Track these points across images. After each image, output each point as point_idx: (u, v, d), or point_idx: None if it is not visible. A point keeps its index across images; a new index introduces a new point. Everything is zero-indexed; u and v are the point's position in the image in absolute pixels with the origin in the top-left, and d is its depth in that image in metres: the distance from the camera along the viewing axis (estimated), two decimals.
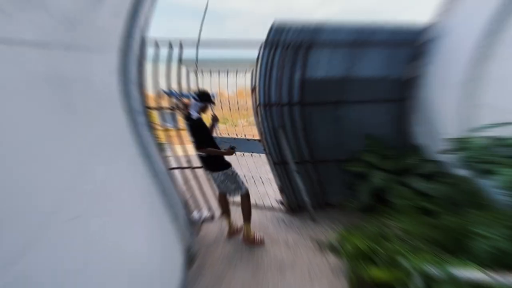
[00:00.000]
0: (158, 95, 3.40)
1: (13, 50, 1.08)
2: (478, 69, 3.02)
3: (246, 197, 3.33)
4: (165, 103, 3.55)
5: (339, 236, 3.15)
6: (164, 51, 3.23)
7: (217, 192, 3.57)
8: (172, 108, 3.55)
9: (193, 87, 3.65)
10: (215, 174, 3.27)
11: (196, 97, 3.11)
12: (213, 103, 3.25)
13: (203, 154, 3.17)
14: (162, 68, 3.31)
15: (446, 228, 2.78)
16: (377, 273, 2.44)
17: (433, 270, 2.10)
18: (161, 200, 2.71)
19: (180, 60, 3.29)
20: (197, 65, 3.35)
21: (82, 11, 1.55)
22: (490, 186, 2.27)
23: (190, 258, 3.08)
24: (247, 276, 2.86)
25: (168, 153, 3.57)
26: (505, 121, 2.47)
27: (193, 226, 3.67)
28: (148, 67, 3.16)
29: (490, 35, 2.91)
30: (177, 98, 3.53)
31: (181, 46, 3.21)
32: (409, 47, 3.62)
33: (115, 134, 2.12)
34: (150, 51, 3.10)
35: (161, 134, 3.97)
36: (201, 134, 3.13)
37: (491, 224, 2.49)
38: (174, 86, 3.49)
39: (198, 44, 3.11)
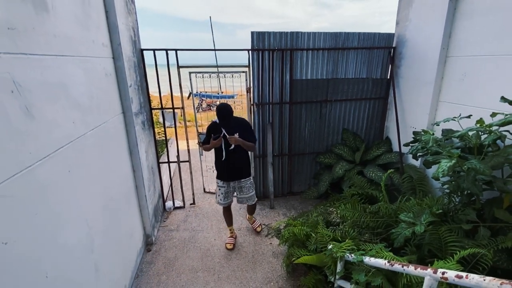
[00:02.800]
0: (187, 96, 3.43)
1: None
2: (441, 69, 3.04)
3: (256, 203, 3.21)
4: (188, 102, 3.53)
5: (285, 222, 3.14)
6: (164, 59, 3.26)
7: (220, 201, 3.02)
8: (198, 106, 3.61)
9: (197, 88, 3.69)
10: (245, 181, 2.97)
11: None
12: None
13: (235, 161, 2.85)
14: (164, 74, 3.31)
15: (381, 215, 2.73)
16: (306, 257, 2.43)
17: (350, 256, 2.07)
18: (133, 192, 2.83)
19: (178, 66, 3.32)
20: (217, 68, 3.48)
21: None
22: (432, 175, 2.23)
23: (149, 243, 3.16)
24: (196, 261, 2.91)
25: (169, 147, 3.66)
26: (464, 115, 2.42)
27: (161, 214, 3.75)
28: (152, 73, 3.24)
29: (447, 37, 2.94)
30: (201, 98, 3.60)
31: (176, 54, 3.20)
32: (383, 52, 3.82)
33: (111, 132, 2.30)
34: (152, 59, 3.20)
35: (162, 132, 4.01)
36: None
37: (419, 211, 2.43)
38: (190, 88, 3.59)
39: (215, 52, 3.16)
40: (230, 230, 3.21)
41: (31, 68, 1.29)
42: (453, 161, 1.99)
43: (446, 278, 1.13)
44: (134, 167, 2.79)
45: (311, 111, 3.86)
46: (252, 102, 3.66)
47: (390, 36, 3.73)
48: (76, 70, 1.70)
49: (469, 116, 2.43)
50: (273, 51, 3.44)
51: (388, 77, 3.88)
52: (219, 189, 2.97)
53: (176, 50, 3.07)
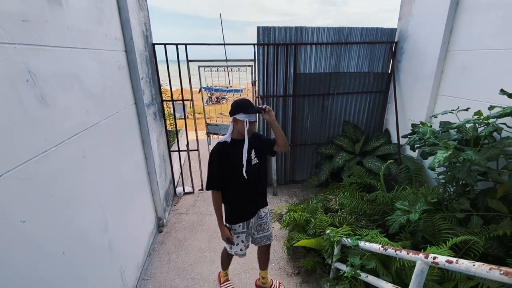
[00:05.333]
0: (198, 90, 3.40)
1: None
2: (441, 63, 2.94)
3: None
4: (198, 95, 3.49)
5: (286, 208, 3.14)
6: (175, 54, 3.19)
7: (241, 251, 2.05)
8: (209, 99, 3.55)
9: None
10: (264, 213, 2.04)
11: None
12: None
13: (260, 181, 1.95)
14: (175, 69, 3.29)
15: (378, 203, 2.70)
16: (305, 241, 2.43)
17: (346, 240, 2.05)
18: (146, 178, 2.85)
19: (187, 60, 3.23)
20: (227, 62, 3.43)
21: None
22: (428, 165, 2.17)
23: (160, 225, 3.20)
24: (203, 242, 2.94)
25: (179, 138, 3.66)
26: (463, 108, 2.35)
27: (172, 198, 3.80)
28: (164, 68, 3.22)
29: (448, 32, 2.83)
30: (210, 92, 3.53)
31: (186, 48, 3.15)
32: (385, 47, 3.70)
33: (124, 121, 2.30)
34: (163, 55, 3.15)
35: (173, 123, 3.98)
36: None
37: (414, 199, 2.38)
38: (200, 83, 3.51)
39: (224, 46, 3.12)
40: (226, 274, 2.40)
41: (45, 58, 1.29)
42: (449, 152, 1.93)
43: (437, 263, 1.10)
44: (146, 155, 2.81)
45: (313, 104, 3.79)
46: (257, 95, 3.61)
47: (392, 31, 3.60)
48: (89, 62, 1.69)
49: (467, 109, 2.34)
50: (278, 45, 3.36)
51: (389, 71, 3.76)
52: (238, 237, 1.98)
53: (185, 44, 3.03)
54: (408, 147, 2.97)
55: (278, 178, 4.08)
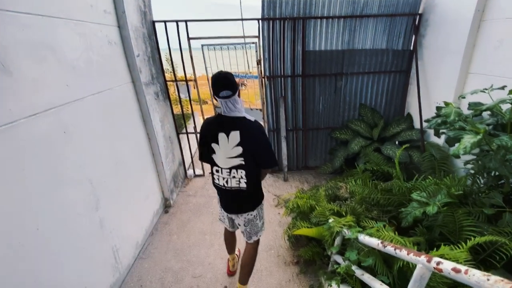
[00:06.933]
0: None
1: None
2: (473, 35, 2.46)
3: (257, 243, 1.87)
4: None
5: (294, 195, 2.92)
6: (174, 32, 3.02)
7: (225, 224, 1.94)
8: None
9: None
10: (245, 216, 1.72)
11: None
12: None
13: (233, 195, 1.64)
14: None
15: (394, 193, 2.37)
16: (305, 230, 2.21)
17: (346, 232, 1.81)
18: (150, 158, 2.80)
19: (188, 37, 3.02)
20: None
21: None
22: (452, 152, 1.81)
23: (167, 206, 3.17)
24: (206, 224, 2.85)
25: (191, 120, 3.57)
26: (497, 87, 1.93)
27: (182, 180, 3.75)
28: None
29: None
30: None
31: (186, 25, 2.96)
32: (407, 20, 3.18)
33: (119, 99, 2.21)
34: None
35: (184, 106, 3.88)
36: None
37: (435, 190, 2.04)
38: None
39: (242, 22, 2.86)
40: (233, 258, 2.18)
41: (6, 24, 1.17)
42: (478, 137, 1.57)
43: (441, 270, 0.84)
44: (149, 135, 2.73)
45: (325, 85, 3.43)
46: (263, 75, 3.35)
47: (415, 1, 3.06)
48: (68, 34, 1.58)
49: (503, 87, 1.89)
50: (284, 20, 3.03)
51: (411, 48, 3.25)
52: (221, 209, 1.86)
53: (186, 21, 2.83)
54: (433, 133, 2.57)
55: (289, 163, 3.83)
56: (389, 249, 1.19)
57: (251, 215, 1.72)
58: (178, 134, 3.53)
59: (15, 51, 1.22)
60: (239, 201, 1.66)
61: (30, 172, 1.29)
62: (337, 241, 1.95)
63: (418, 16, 3.08)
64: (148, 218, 2.70)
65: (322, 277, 1.92)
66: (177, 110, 3.80)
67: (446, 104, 2.07)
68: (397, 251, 1.12)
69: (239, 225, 1.80)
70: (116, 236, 2.04)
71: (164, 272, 2.25)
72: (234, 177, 1.56)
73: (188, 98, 3.42)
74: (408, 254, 1.04)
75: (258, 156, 1.53)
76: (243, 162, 1.51)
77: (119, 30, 2.13)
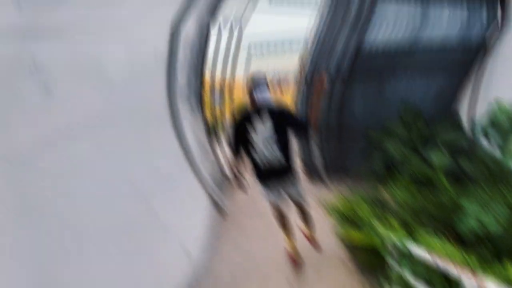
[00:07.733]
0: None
1: None
2: None
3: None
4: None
5: (336, 200, 2.98)
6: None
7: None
8: None
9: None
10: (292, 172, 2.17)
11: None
12: None
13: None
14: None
15: (440, 202, 2.34)
16: (355, 235, 2.29)
17: (397, 242, 1.87)
18: (188, 167, 2.83)
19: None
20: None
21: None
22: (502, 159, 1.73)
23: (218, 209, 3.40)
24: (262, 227, 2.98)
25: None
26: None
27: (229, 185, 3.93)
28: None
29: None
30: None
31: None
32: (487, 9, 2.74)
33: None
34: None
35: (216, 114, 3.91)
36: None
37: (488, 202, 1.99)
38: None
39: None
40: (290, 241, 2.46)
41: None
42: None
43: None
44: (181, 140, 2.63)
45: (370, 85, 3.27)
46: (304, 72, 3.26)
47: None
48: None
49: None
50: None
51: (485, 44, 2.82)
52: None
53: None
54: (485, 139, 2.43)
55: (328, 166, 3.83)
56: (439, 264, 1.25)
57: None
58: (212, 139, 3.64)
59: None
60: None
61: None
62: (390, 247, 2.00)
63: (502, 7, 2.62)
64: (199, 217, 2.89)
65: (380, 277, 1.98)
66: None
67: (499, 104, 1.97)
68: (448, 267, 1.17)
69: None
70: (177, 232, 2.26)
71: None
72: None
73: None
74: (455, 268, 1.09)
75: None
76: None
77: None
